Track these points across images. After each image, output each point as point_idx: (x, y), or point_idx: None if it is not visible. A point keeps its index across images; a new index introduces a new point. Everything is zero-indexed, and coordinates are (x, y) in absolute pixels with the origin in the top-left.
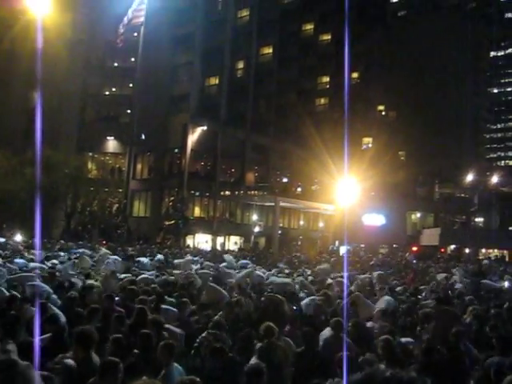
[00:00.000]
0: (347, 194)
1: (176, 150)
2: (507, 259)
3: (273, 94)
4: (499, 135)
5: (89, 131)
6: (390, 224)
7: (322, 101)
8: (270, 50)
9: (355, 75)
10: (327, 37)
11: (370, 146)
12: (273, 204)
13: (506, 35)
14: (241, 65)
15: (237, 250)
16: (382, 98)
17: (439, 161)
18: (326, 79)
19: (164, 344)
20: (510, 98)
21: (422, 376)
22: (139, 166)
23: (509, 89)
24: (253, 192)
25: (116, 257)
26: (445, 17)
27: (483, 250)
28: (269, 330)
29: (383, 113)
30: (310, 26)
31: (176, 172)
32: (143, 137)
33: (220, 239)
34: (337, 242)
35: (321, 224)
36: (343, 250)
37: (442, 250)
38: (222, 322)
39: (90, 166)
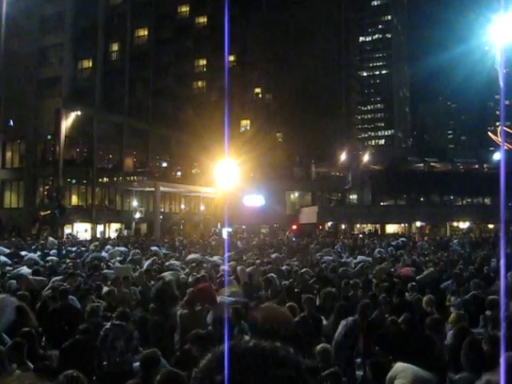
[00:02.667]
0: (227, 177)
1: (49, 137)
2: (379, 232)
3: (150, 78)
4: (369, 116)
5: None
6: (269, 204)
7: (200, 84)
8: (146, 33)
9: (232, 58)
10: (203, 19)
11: (247, 128)
12: (153, 189)
13: (373, 22)
14: (115, 47)
15: (116, 237)
16: (259, 80)
17: (315, 141)
18: (203, 62)
19: (12, 344)
20: (378, 81)
21: (285, 345)
22: (9, 155)
23: (377, 72)
24: (132, 177)
25: None
26: (317, 2)
27: (357, 225)
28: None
29: (260, 95)
30: (185, 9)
31: (50, 159)
32: (12, 123)
33: (100, 227)
34: (219, 225)
35: (202, 207)
36: (225, 232)
37: (320, 227)
38: (126, 312)
39: None
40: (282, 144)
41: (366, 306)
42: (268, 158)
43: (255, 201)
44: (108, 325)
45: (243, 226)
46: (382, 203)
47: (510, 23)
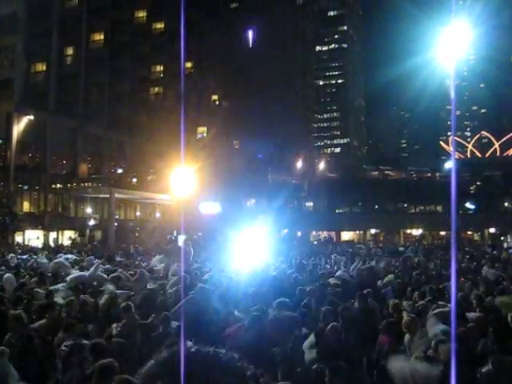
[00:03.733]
0: (183, 184)
1: (0, 141)
2: (335, 239)
3: (105, 83)
4: (325, 125)
5: None
6: (226, 211)
7: (156, 90)
8: (102, 37)
9: (189, 65)
10: (160, 25)
11: (204, 135)
12: (108, 196)
13: (330, 32)
14: (70, 51)
15: (69, 244)
16: (216, 87)
17: (272, 149)
18: (160, 68)
19: None
20: (334, 90)
21: (231, 352)
22: None
23: (333, 81)
24: (86, 184)
25: None
26: (274, 11)
27: (313, 233)
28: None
29: (217, 102)
30: (142, 14)
31: (1, 165)
32: None
33: (53, 234)
34: (175, 232)
35: (158, 214)
36: (181, 239)
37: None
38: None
39: None
40: (239, 151)
41: (328, 313)
42: (225, 165)
43: (211, 208)
44: (70, 341)
45: (199, 234)
46: (337, 211)
47: (458, 36)
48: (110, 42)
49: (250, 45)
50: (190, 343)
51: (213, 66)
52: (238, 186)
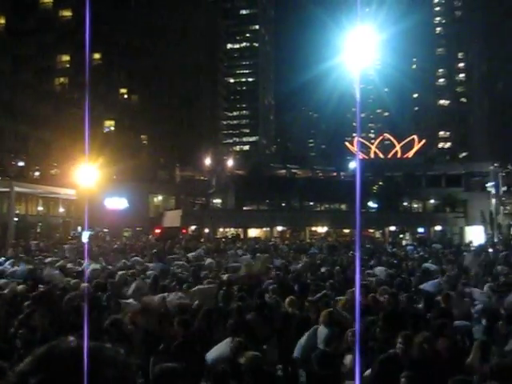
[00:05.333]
0: (88, 178)
1: None
2: (242, 236)
3: (7, 71)
4: (235, 122)
5: None
6: (132, 207)
7: (62, 80)
8: (3, 21)
9: (97, 56)
10: (68, 13)
11: (112, 129)
12: (7, 190)
13: (241, 30)
14: None
15: None
16: (125, 81)
17: (180, 145)
18: (67, 58)
19: None
20: (244, 87)
21: (115, 346)
22: None
23: (243, 79)
24: None
25: None
26: (186, 7)
27: (221, 229)
28: None
29: (125, 96)
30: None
31: None
32: None
33: None
34: (79, 228)
35: (61, 209)
36: (86, 235)
37: (184, 230)
38: None
39: None
40: (147, 146)
41: (239, 309)
42: (132, 159)
43: (117, 203)
44: None
45: (105, 230)
46: (244, 208)
47: (363, 41)
48: (13, 27)
49: (161, 39)
50: (71, 338)
51: (122, 58)
52: (145, 182)
